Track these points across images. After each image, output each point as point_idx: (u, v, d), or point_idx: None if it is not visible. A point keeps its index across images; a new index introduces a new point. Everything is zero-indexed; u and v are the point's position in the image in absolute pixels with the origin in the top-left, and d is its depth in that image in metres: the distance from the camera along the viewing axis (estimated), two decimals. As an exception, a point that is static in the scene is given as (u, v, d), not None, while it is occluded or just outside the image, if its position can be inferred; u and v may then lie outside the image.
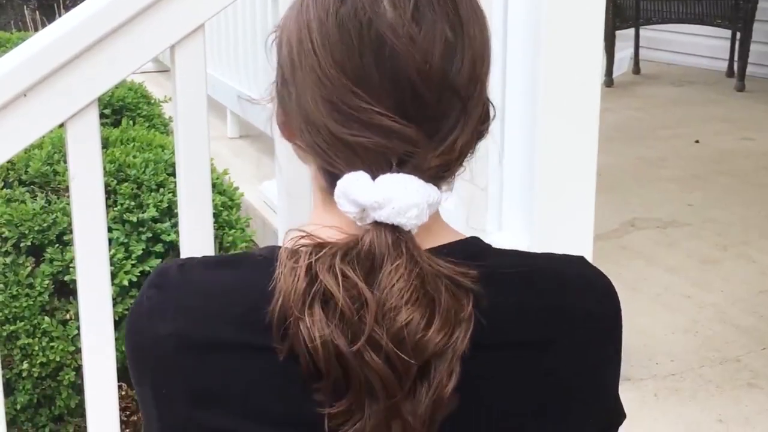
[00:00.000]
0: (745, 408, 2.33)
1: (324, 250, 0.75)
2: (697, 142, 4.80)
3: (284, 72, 0.82)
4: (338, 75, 0.76)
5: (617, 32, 6.01)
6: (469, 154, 0.81)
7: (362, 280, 0.73)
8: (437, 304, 0.73)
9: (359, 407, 0.73)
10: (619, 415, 0.88)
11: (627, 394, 2.34)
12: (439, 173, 0.78)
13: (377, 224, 0.75)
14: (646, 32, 6.33)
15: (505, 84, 2.30)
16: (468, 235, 0.85)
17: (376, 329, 0.72)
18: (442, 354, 0.73)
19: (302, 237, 0.77)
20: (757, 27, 5.83)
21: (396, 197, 0.75)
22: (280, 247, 0.79)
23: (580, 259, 0.87)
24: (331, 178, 0.79)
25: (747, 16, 5.77)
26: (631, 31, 6.23)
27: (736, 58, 5.99)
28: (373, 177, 0.76)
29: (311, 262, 0.74)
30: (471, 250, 0.82)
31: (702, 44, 6.39)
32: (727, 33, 6.01)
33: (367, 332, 0.72)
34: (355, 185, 0.75)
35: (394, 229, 0.75)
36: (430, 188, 0.76)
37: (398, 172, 0.76)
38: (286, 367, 0.75)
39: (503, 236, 2.37)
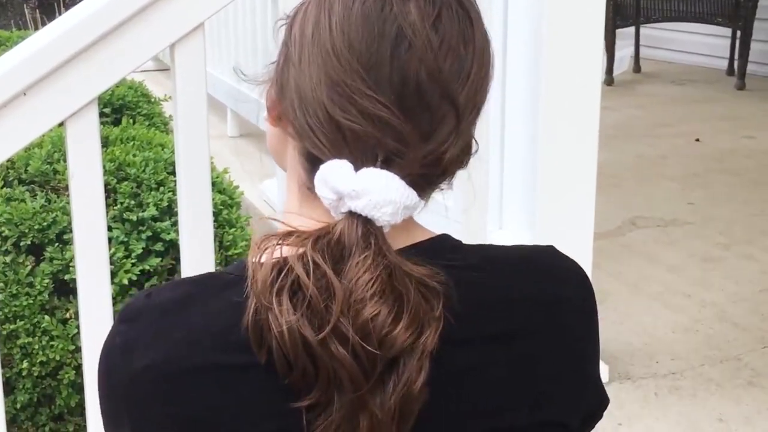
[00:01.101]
0: (745, 407, 2.33)
1: (293, 238, 0.75)
2: (697, 140, 4.79)
3: (289, 50, 0.82)
4: (351, 57, 0.77)
5: (618, 31, 6.00)
6: (450, 176, 0.82)
7: (331, 269, 0.73)
8: (405, 301, 0.73)
9: (328, 399, 0.73)
10: (603, 399, 0.88)
11: (628, 392, 2.35)
12: (421, 181, 0.78)
13: (351, 215, 0.75)
14: (646, 30, 6.33)
15: (506, 83, 2.29)
16: (438, 233, 0.85)
17: (342, 320, 0.72)
18: (411, 351, 0.73)
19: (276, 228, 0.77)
20: (758, 25, 5.83)
21: (375, 190, 0.75)
22: (246, 260, 0.77)
23: (550, 248, 0.88)
24: (312, 164, 0.79)
25: (747, 15, 5.77)
26: (632, 29, 6.23)
27: (736, 56, 5.99)
28: (357, 168, 0.76)
29: (281, 249, 0.74)
30: (441, 246, 0.82)
31: (702, 42, 6.39)
32: (728, 31, 6.01)
33: (332, 322, 0.72)
34: (337, 172, 0.76)
35: (366, 222, 0.75)
36: (411, 192, 0.76)
37: (382, 168, 0.76)
38: (270, 380, 0.74)
39: (503, 235, 2.37)
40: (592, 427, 0.87)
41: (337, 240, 0.74)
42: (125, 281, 2.19)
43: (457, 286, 0.77)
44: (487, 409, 0.79)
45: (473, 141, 0.84)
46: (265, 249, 0.75)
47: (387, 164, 0.76)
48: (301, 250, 0.74)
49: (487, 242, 2.29)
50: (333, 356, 0.72)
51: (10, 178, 2.44)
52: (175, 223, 2.28)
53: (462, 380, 0.78)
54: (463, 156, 0.82)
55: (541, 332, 0.81)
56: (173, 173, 2.29)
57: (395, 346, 0.72)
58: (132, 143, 2.66)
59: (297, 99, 0.80)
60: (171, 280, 0.83)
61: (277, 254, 0.75)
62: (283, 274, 0.73)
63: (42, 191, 2.39)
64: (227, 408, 0.76)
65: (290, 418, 0.74)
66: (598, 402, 0.88)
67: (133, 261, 2.23)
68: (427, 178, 0.78)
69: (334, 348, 0.72)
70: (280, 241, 0.75)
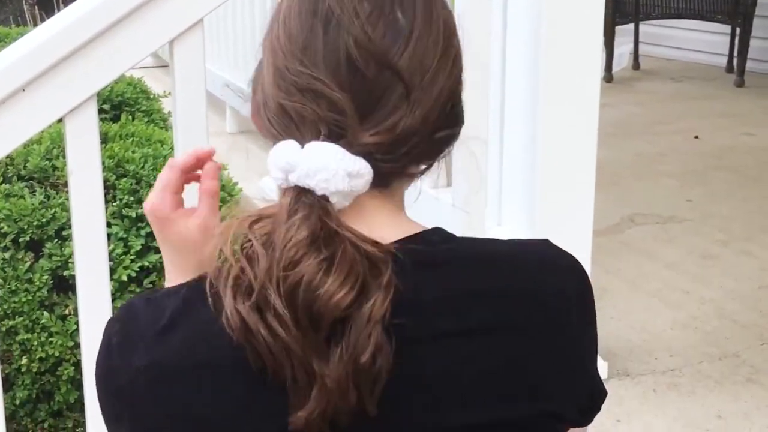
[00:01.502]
0: (744, 403, 2.33)
1: (237, 221, 0.77)
2: (696, 137, 4.79)
3: (260, 63, 0.86)
4: (290, 45, 0.81)
5: (617, 27, 6.00)
6: (421, 152, 0.81)
7: (260, 241, 0.74)
8: (338, 261, 0.73)
9: (280, 371, 0.73)
10: (600, 392, 0.87)
11: (626, 389, 2.35)
12: (375, 154, 0.78)
13: (288, 189, 0.77)
14: (645, 28, 6.32)
15: (505, 80, 2.29)
16: (431, 227, 0.85)
17: (268, 288, 0.72)
18: (357, 317, 0.72)
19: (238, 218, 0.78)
20: (757, 23, 5.83)
21: (308, 160, 0.76)
22: None
23: (544, 242, 0.87)
24: None
25: (747, 12, 5.77)
26: (631, 26, 6.22)
27: (735, 53, 5.99)
28: (303, 145, 0.77)
29: (227, 234, 0.76)
30: (432, 238, 0.82)
31: (702, 40, 6.38)
32: (727, 28, 6.00)
33: (257, 291, 0.72)
34: (282, 151, 0.78)
35: (303, 192, 0.76)
36: (356, 159, 0.77)
37: (325, 141, 0.77)
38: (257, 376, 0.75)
39: (503, 231, 2.37)
40: (591, 418, 0.87)
41: (272, 212, 0.76)
42: (124, 278, 2.19)
43: (440, 277, 0.78)
44: (473, 402, 0.78)
45: (453, 114, 0.83)
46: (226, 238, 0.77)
47: (332, 138, 0.78)
48: (239, 230, 0.76)
49: (486, 236, 2.30)
50: (270, 328, 0.72)
51: (9, 174, 2.44)
52: (174, 220, 2.27)
53: (445, 373, 0.77)
54: (427, 127, 0.81)
55: (533, 325, 0.80)
56: (172, 170, 2.29)
57: (329, 304, 0.72)
58: (131, 139, 2.66)
59: (262, 100, 0.83)
60: (168, 288, 0.83)
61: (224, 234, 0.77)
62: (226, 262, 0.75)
63: (41, 187, 2.39)
64: (223, 407, 0.76)
65: (280, 412, 0.74)
66: (596, 394, 0.87)
67: (132, 257, 2.23)
68: (382, 148, 0.78)
69: (271, 319, 0.72)
70: (227, 227, 0.76)
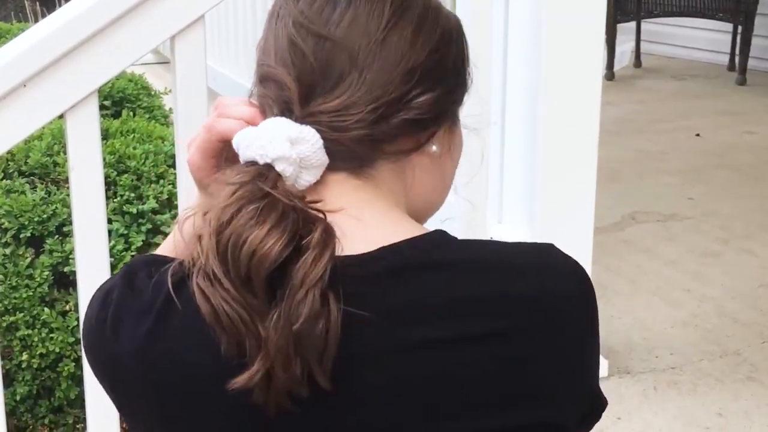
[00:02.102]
0: (744, 402, 2.33)
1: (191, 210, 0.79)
2: (698, 135, 4.79)
3: None
4: (257, 52, 0.86)
5: (618, 25, 5.99)
6: (393, 120, 0.81)
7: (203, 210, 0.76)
8: (266, 212, 0.74)
9: (235, 339, 0.73)
10: (600, 401, 0.86)
11: (627, 387, 2.35)
12: (326, 122, 0.80)
13: (238, 165, 0.79)
14: (647, 25, 6.31)
15: (507, 78, 2.29)
16: (432, 230, 0.84)
17: (209, 253, 0.73)
18: (292, 280, 0.72)
19: None
20: (759, 21, 5.82)
21: (250, 133, 0.79)
22: None
23: (547, 246, 0.85)
24: None
25: (749, 10, 5.76)
26: (633, 24, 6.21)
27: (737, 52, 5.98)
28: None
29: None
30: (432, 243, 0.81)
31: (703, 38, 6.37)
32: (729, 27, 6.00)
33: (199, 258, 0.73)
34: (240, 135, 0.80)
35: (247, 164, 0.78)
36: (299, 126, 0.79)
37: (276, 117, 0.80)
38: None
39: (503, 229, 2.37)
40: (590, 427, 0.85)
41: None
42: (125, 274, 2.19)
43: (439, 282, 0.77)
44: (471, 409, 0.76)
45: (434, 76, 0.83)
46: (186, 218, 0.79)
47: (284, 115, 0.81)
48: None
49: (487, 236, 2.29)
50: (219, 298, 0.72)
51: (10, 170, 2.44)
52: (175, 216, 2.28)
53: (442, 379, 0.76)
54: (387, 92, 0.81)
55: (532, 331, 0.78)
56: (173, 166, 2.29)
57: (258, 256, 0.72)
58: (132, 136, 2.66)
59: None
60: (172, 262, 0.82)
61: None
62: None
63: (42, 183, 2.39)
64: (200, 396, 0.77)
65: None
66: (596, 402, 0.85)
67: (132, 253, 2.23)
68: (333, 117, 0.80)
69: (218, 288, 0.72)
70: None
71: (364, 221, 0.81)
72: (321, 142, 0.79)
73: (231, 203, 0.74)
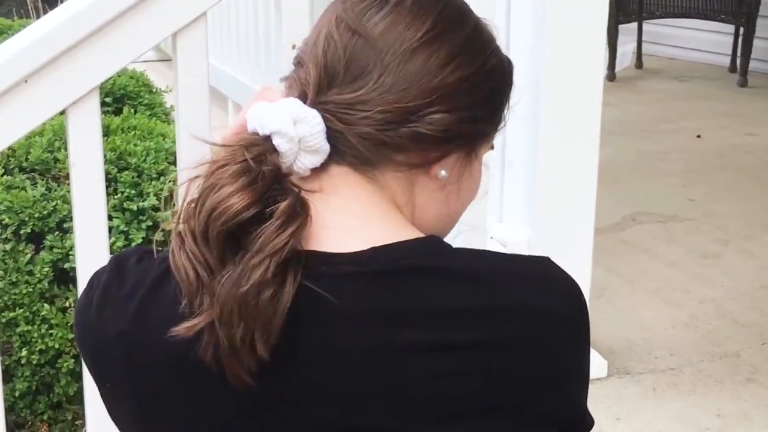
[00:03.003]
0: (744, 403, 2.33)
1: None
2: (699, 137, 4.79)
3: None
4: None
5: (620, 26, 5.99)
6: (404, 130, 0.81)
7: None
8: (244, 178, 0.75)
9: (188, 295, 0.74)
10: (584, 423, 0.83)
11: (626, 387, 2.35)
12: (334, 110, 0.80)
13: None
14: (649, 27, 6.31)
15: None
16: (426, 235, 0.83)
17: (194, 216, 0.74)
18: (251, 244, 0.73)
19: None
20: (761, 22, 5.82)
21: (259, 109, 0.80)
22: None
23: (543, 260, 0.83)
24: None
25: (750, 12, 5.76)
26: (634, 25, 6.21)
27: (739, 53, 5.98)
28: None
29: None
30: (425, 248, 0.80)
31: (705, 39, 6.37)
32: (731, 28, 5.99)
33: (183, 220, 0.75)
34: (253, 107, 0.82)
35: (251, 136, 0.79)
36: (307, 109, 0.80)
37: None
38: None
39: (503, 228, 2.37)
40: None
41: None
42: (125, 271, 2.19)
43: (424, 288, 0.76)
44: (445, 418, 0.75)
45: (438, 97, 0.82)
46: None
47: (300, 98, 0.81)
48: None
49: (487, 236, 2.29)
50: (180, 250, 0.75)
51: (11, 166, 2.44)
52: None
53: (417, 383, 0.75)
54: (403, 101, 0.81)
55: (515, 344, 0.77)
56: (174, 163, 2.29)
57: (219, 209, 0.73)
58: (133, 133, 2.66)
59: None
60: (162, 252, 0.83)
61: None
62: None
63: (42, 179, 2.39)
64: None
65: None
66: (580, 424, 0.83)
67: (133, 250, 2.23)
68: (342, 108, 0.80)
69: (183, 240, 0.75)
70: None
71: (361, 218, 0.81)
72: (323, 126, 0.80)
73: (216, 163, 0.76)
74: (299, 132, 0.79)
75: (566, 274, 0.83)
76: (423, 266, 0.78)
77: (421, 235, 0.82)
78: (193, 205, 0.75)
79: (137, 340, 0.79)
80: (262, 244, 0.73)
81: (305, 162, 0.80)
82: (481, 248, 0.84)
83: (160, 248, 0.83)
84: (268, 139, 0.79)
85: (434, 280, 0.78)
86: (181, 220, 0.76)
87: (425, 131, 0.81)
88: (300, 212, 0.75)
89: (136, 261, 0.83)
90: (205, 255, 0.74)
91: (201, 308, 0.73)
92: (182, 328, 0.73)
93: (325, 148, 0.80)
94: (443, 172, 0.85)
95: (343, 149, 0.81)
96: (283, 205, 0.75)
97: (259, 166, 0.76)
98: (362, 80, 0.81)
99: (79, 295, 1.65)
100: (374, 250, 0.78)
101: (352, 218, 0.80)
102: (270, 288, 0.72)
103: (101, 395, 0.85)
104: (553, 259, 0.83)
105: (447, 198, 0.87)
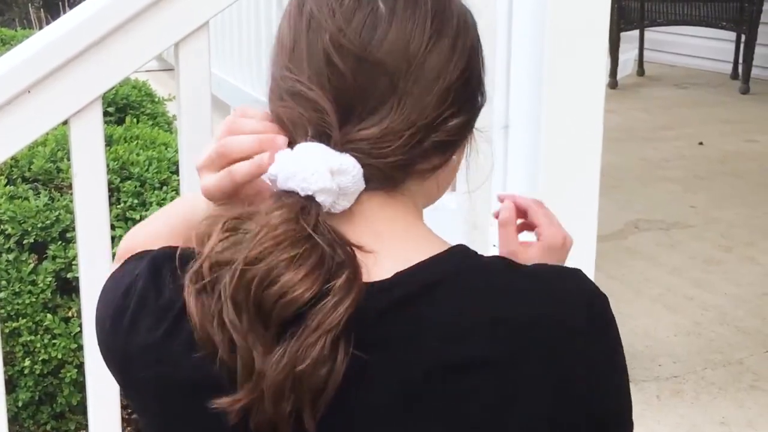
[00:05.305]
0: (748, 410, 2.32)
1: (211, 219, 0.76)
2: (701, 143, 4.79)
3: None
4: (280, 51, 0.81)
5: (622, 34, 6.00)
6: (428, 143, 0.79)
7: (227, 239, 0.73)
8: (302, 258, 0.71)
9: (228, 364, 0.72)
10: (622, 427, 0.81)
11: (629, 395, 2.34)
12: (367, 150, 0.77)
13: (274, 193, 0.76)
14: (650, 34, 6.32)
15: (509, 85, 2.29)
16: (453, 244, 0.82)
17: (225, 277, 0.71)
18: (307, 319, 0.70)
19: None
20: (762, 30, 5.82)
21: (288, 164, 0.76)
22: None
23: (573, 272, 0.81)
24: None
25: (752, 19, 5.77)
26: (636, 32, 6.22)
27: (740, 60, 5.98)
28: (292, 148, 0.77)
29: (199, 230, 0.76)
30: (450, 262, 0.78)
31: (707, 46, 6.38)
32: (732, 35, 6.00)
33: (218, 286, 0.72)
34: (276, 158, 0.77)
35: (286, 194, 0.75)
36: (340, 156, 0.76)
37: (313, 141, 0.77)
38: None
39: (506, 237, 2.36)
40: None
41: (250, 214, 0.75)
42: (128, 280, 2.19)
43: (453, 302, 0.75)
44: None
45: (464, 98, 0.81)
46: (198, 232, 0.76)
47: (319, 138, 0.77)
48: (209, 228, 0.75)
49: (489, 243, 2.29)
50: (220, 322, 0.71)
51: (14, 176, 2.44)
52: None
53: (443, 408, 0.74)
54: (426, 116, 0.78)
55: (534, 358, 0.75)
56: (176, 173, 2.29)
57: (285, 299, 0.70)
58: (135, 142, 2.66)
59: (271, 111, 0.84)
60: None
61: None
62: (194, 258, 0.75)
63: (45, 189, 2.39)
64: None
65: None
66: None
67: (135, 260, 2.23)
68: (375, 145, 0.77)
69: (227, 311, 0.71)
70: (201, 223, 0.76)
71: (386, 240, 0.79)
72: (361, 171, 0.77)
73: (269, 238, 0.72)
74: (339, 182, 0.76)
75: (589, 288, 0.80)
76: (444, 282, 0.77)
77: (446, 245, 0.81)
78: (239, 273, 0.71)
79: (165, 358, 0.78)
80: (319, 322, 0.70)
81: (342, 204, 0.77)
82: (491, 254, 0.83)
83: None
84: (310, 198, 0.75)
85: (455, 295, 0.76)
86: (203, 272, 0.73)
87: (446, 138, 0.81)
88: (355, 285, 0.72)
89: (170, 271, 0.80)
90: (259, 332, 0.71)
91: (241, 379, 0.71)
92: (225, 402, 0.71)
93: (362, 186, 0.78)
94: (453, 157, 0.85)
95: (372, 178, 0.78)
96: (341, 281, 0.72)
97: (320, 243, 0.72)
98: (383, 109, 0.77)
99: (83, 309, 1.65)
100: (397, 277, 0.76)
101: (379, 243, 0.78)
102: (327, 364, 0.70)
103: (125, 396, 0.85)
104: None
105: (439, 183, 0.87)
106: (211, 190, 0.83)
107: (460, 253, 0.80)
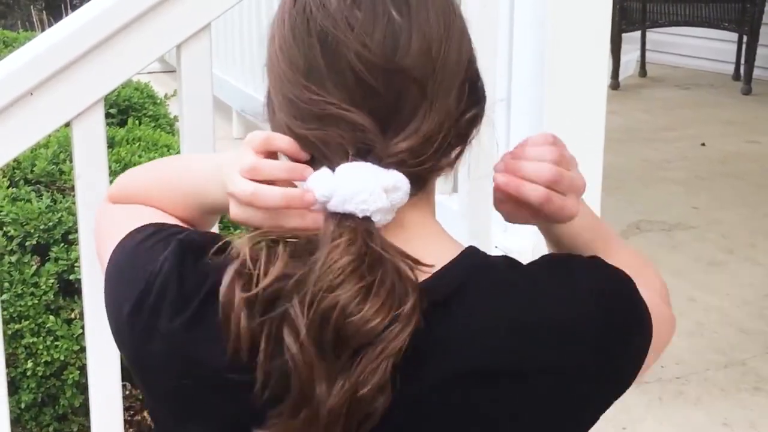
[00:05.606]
0: (750, 412, 2.32)
1: (258, 239, 0.75)
2: (703, 144, 4.79)
3: (268, 90, 0.84)
4: (292, 72, 0.79)
5: (624, 35, 5.99)
6: (451, 140, 0.79)
7: (290, 265, 0.73)
8: (375, 287, 0.71)
9: (279, 391, 0.72)
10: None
11: (632, 397, 2.34)
12: (408, 161, 0.77)
13: (331, 215, 0.75)
14: (652, 35, 6.32)
15: (511, 87, 2.29)
16: (466, 246, 0.82)
17: (299, 311, 0.71)
18: (371, 344, 0.70)
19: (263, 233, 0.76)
20: (764, 30, 5.82)
21: (342, 185, 0.75)
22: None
23: (591, 263, 0.82)
24: None
25: (754, 20, 5.76)
26: (638, 33, 6.22)
27: (742, 61, 5.98)
28: (333, 169, 0.76)
29: (244, 251, 0.74)
30: (461, 270, 0.79)
31: (708, 47, 6.38)
32: (734, 36, 6.00)
33: (288, 311, 0.71)
34: (316, 180, 0.76)
35: (344, 218, 0.75)
36: (390, 174, 0.75)
37: (356, 161, 0.76)
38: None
39: (508, 238, 2.37)
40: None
41: (309, 239, 0.74)
42: (130, 282, 2.19)
43: (475, 310, 0.76)
44: None
45: (469, 94, 0.81)
46: (230, 248, 0.76)
47: (362, 156, 0.76)
48: (261, 251, 0.74)
49: (491, 245, 2.29)
50: (287, 349, 0.71)
51: (16, 178, 2.44)
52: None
53: (468, 413, 0.75)
54: (453, 115, 0.79)
55: (548, 370, 0.76)
56: (178, 174, 2.29)
57: (361, 330, 0.70)
58: (138, 144, 2.67)
59: (280, 128, 0.82)
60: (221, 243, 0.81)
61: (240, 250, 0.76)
62: (243, 271, 0.74)
63: (48, 191, 2.39)
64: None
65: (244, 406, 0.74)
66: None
67: (137, 262, 2.23)
68: (412, 154, 0.77)
69: (287, 340, 0.71)
70: (245, 242, 0.75)
71: (412, 241, 0.79)
72: (409, 185, 0.77)
73: (341, 266, 0.72)
74: (392, 200, 0.76)
75: (612, 276, 0.82)
76: (460, 291, 0.77)
77: (459, 247, 0.81)
78: (298, 295, 0.71)
79: (185, 347, 0.77)
80: (383, 348, 0.71)
81: (387, 219, 0.77)
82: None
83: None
84: (368, 219, 0.75)
85: (468, 303, 0.77)
86: (265, 293, 0.72)
87: (465, 132, 0.81)
88: (417, 311, 0.72)
89: (194, 259, 0.79)
90: (329, 361, 0.71)
91: (295, 402, 0.71)
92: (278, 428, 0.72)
93: (407, 200, 0.78)
94: None
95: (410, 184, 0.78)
96: (407, 308, 0.72)
97: (388, 273, 0.72)
98: (417, 117, 0.77)
99: (86, 311, 1.66)
100: (426, 282, 0.77)
101: (405, 246, 0.78)
102: (387, 389, 0.71)
103: (139, 383, 0.84)
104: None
105: None
106: (244, 224, 0.82)
107: (472, 255, 0.80)
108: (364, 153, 0.76)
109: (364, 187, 0.74)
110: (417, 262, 0.75)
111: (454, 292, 0.76)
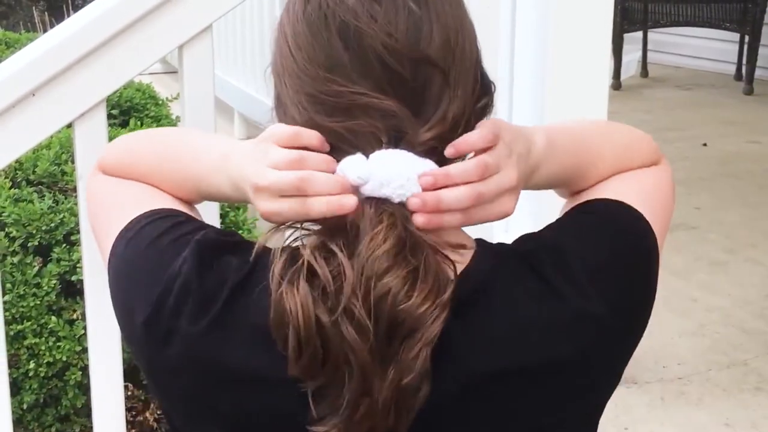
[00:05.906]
0: (752, 412, 2.32)
1: (305, 227, 0.76)
2: (704, 145, 4.79)
3: (276, 88, 0.84)
4: (312, 67, 0.79)
5: (625, 35, 5.99)
6: (471, 128, 0.80)
7: (343, 252, 0.73)
8: (422, 272, 0.73)
9: (335, 382, 0.72)
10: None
11: (634, 397, 2.34)
12: (440, 146, 0.78)
13: (366, 200, 0.76)
14: (654, 35, 6.32)
15: (513, 87, 2.29)
16: (474, 239, 0.84)
17: (353, 300, 0.71)
18: (417, 327, 0.71)
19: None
20: (766, 31, 5.82)
21: (378, 170, 0.76)
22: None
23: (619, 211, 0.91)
24: None
25: (755, 20, 5.76)
26: (639, 33, 6.22)
27: (744, 61, 5.98)
28: (367, 157, 0.77)
29: (291, 239, 0.76)
30: (475, 269, 0.80)
31: (710, 47, 6.37)
32: (736, 36, 6.00)
33: (343, 302, 0.71)
34: (349, 165, 0.77)
35: (381, 202, 0.75)
36: (423, 161, 0.77)
37: (388, 148, 0.77)
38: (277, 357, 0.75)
39: (510, 237, 2.36)
40: None
41: (351, 224, 0.75)
42: (132, 282, 2.19)
43: (476, 315, 0.77)
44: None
45: (480, 82, 0.82)
46: (272, 236, 0.77)
47: (395, 144, 0.77)
48: (312, 238, 0.75)
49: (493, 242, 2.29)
50: (344, 338, 0.71)
51: (18, 179, 2.44)
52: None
53: (501, 410, 0.77)
54: (472, 102, 0.81)
55: (565, 365, 0.80)
56: (180, 175, 2.29)
57: (413, 317, 0.71)
58: (139, 145, 2.66)
59: (293, 124, 0.81)
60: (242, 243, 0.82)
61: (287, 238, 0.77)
62: (296, 263, 0.74)
63: (50, 192, 2.40)
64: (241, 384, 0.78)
65: (289, 397, 0.74)
66: None
67: (139, 262, 2.23)
68: (440, 140, 0.78)
69: (345, 329, 0.71)
70: (293, 231, 0.76)
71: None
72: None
73: (386, 251, 0.72)
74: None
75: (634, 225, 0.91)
76: (476, 292, 0.78)
77: (470, 241, 0.83)
78: (363, 294, 0.72)
79: (206, 350, 0.77)
80: (422, 335, 0.72)
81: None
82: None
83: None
84: (403, 205, 0.76)
85: (483, 303, 0.78)
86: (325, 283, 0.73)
87: (480, 119, 0.82)
88: (452, 299, 0.74)
89: (213, 259, 0.80)
90: (383, 350, 0.72)
91: (350, 397, 0.72)
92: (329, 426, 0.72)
93: None
94: None
95: None
96: (445, 297, 0.73)
97: (431, 264, 0.73)
98: (442, 105, 0.79)
99: (88, 312, 1.66)
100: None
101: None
102: (428, 378, 0.72)
103: (149, 381, 0.84)
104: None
105: None
106: (274, 218, 0.80)
107: (481, 247, 0.83)
108: (396, 140, 0.77)
109: (401, 172, 0.76)
110: (461, 246, 0.77)
111: (481, 286, 0.78)
